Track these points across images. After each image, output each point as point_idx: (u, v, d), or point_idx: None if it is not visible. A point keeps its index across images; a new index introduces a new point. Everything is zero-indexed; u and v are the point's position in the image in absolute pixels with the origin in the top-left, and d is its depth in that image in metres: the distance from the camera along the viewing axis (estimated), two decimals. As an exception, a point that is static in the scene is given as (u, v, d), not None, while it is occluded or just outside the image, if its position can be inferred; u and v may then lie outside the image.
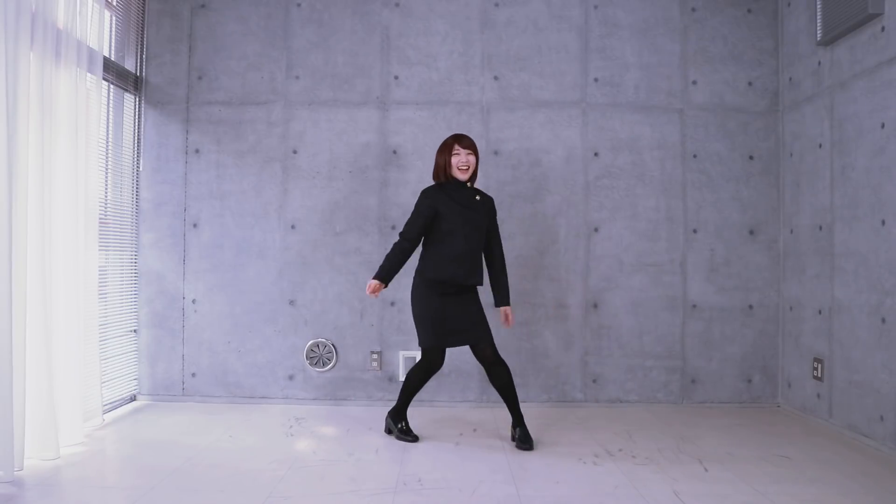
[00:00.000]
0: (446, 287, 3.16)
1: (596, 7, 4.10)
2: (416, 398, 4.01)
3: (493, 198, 3.49)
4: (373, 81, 4.08)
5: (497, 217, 3.38)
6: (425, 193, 3.23)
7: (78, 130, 3.14)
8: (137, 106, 4.06)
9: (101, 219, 3.54)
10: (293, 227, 4.05)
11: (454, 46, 4.09)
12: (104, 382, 3.63)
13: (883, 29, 3.15)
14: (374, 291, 3.17)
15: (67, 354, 3.09)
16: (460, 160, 3.19)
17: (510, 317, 3.31)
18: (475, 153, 3.23)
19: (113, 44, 3.89)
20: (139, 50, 4.08)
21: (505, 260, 3.38)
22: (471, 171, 3.22)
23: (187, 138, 4.08)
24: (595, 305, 4.04)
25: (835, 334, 3.50)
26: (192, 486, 2.59)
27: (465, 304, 3.19)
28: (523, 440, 3.16)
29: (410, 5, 4.10)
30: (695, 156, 4.07)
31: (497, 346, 3.35)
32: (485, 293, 3.39)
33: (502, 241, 3.44)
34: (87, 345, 3.25)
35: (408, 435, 3.29)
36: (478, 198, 3.25)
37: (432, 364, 3.23)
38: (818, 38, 3.60)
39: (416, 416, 3.76)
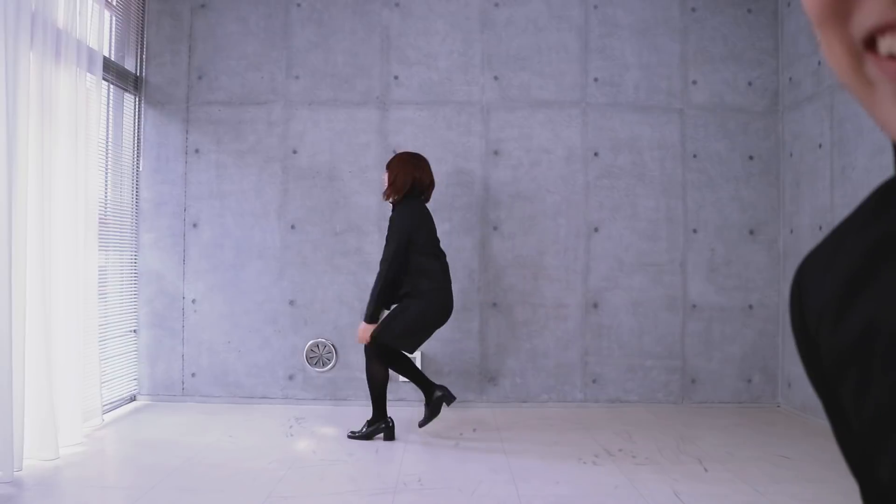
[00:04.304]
0: None
1: (596, 7, 4.09)
2: (419, 399, 4.03)
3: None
4: (373, 81, 4.08)
5: (391, 226, 3.25)
6: None
7: (78, 130, 3.13)
8: (137, 106, 4.06)
9: (100, 219, 3.53)
10: (293, 227, 4.05)
11: (454, 46, 4.09)
12: (104, 382, 3.63)
13: (883, 29, 3.15)
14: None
15: (67, 354, 3.09)
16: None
17: (359, 332, 3.25)
18: (388, 169, 3.30)
19: (113, 44, 3.88)
20: (139, 50, 4.07)
21: (380, 270, 3.24)
22: (383, 188, 3.33)
23: (187, 138, 4.08)
24: (595, 305, 4.04)
25: (835, 334, 3.50)
26: (192, 486, 2.59)
27: None
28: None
29: (410, 5, 4.10)
30: (695, 156, 4.07)
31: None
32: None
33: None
34: (86, 345, 3.25)
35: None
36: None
37: None
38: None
39: (415, 416, 3.76)
